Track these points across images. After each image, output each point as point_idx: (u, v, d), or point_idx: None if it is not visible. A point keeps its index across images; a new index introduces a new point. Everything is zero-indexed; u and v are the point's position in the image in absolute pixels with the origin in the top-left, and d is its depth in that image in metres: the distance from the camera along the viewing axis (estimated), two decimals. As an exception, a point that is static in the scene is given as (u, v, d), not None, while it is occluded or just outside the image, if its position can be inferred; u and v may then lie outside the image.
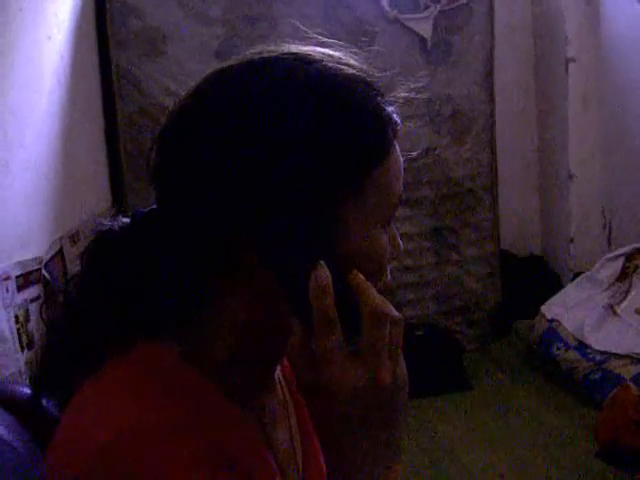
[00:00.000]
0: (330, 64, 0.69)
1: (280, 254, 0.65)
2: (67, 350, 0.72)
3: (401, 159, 0.72)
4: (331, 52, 0.71)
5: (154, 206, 0.74)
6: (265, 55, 0.70)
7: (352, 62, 0.71)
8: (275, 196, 0.65)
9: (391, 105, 0.71)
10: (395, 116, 0.71)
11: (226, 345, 0.71)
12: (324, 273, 0.64)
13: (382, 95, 0.71)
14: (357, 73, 0.70)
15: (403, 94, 0.74)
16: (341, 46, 0.73)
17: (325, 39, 0.73)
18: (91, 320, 0.71)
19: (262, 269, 0.66)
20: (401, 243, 0.74)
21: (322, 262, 0.64)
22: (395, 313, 0.65)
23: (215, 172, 0.66)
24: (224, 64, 0.71)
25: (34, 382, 0.77)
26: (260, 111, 0.66)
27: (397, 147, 0.71)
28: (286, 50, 0.70)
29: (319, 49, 0.71)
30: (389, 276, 0.73)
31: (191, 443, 0.62)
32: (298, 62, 0.69)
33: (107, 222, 0.74)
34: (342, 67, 0.70)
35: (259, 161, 0.65)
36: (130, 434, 0.60)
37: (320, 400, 0.65)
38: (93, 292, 0.72)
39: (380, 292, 0.67)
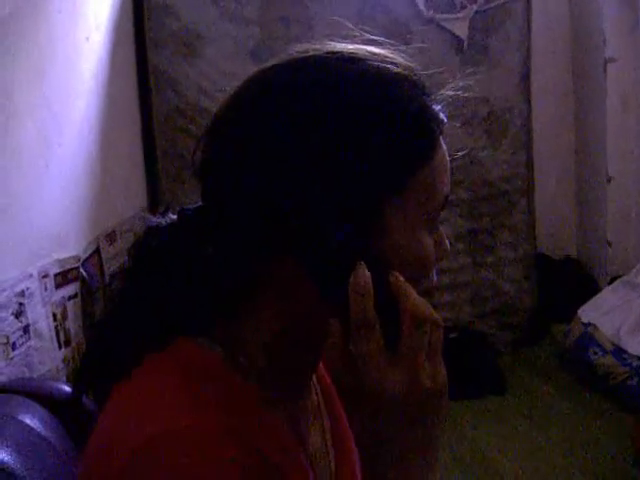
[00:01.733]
0: (375, 63, 0.68)
1: (321, 255, 0.64)
2: (108, 346, 0.72)
3: (447, 159, 0.70)
4: (376, 50, 0.70)
5: (200, 203, 0.74)
6: (309, 54, 0.69)
7: (398, 60, 0.70)
8: (317, 196, 0.64)
9: (438, 104, 0.70)
10: (441, 115, 0.70)
11: (264, 347, 0.71)
12: (364, 274, 0.63)
13: (428, 94, 0.70)
14: (402, 71, 0.69)
15: (450, 92, 0.73)
16: (388, 44, 0.72)
17: (371, 36, 0.73)
18: (132, 316, 0.71)
19: (301, 270, 0.66)
20: (448, 245, 0.73)
21: (362, 262, 0.63)
22: (435, 316, 0.64)
23: (257, 170, 0.66)
24: (270, 62, 0.71)
25: (74, 378, 0.77)
26: (303, 111, 0.65)
27: (443, 147, 0.70)
28: (330, 49, 0.70)
29: (364, 47, 0.70)
30: (435, 278, 0.72)
31: (231, 444, 0.61)
32: (342, 61, 0.68)
33: (155, 219, 0.75)
34: (387, 66, 0.69)
35: (302, 160, 0.64)
36: (172, 433, 0.60)
37: (358, 403, 0.64)
38: (136, 288, 0.72)
39: (423, 294, 0.66)
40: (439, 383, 0.64)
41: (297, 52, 0.70)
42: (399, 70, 0.69)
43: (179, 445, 0.59)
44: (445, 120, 0.70)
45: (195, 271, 0.70)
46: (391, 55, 0.70)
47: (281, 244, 0.66)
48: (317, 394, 0.84)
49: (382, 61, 0.69)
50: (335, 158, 0.64)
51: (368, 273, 0.63)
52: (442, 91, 0.72)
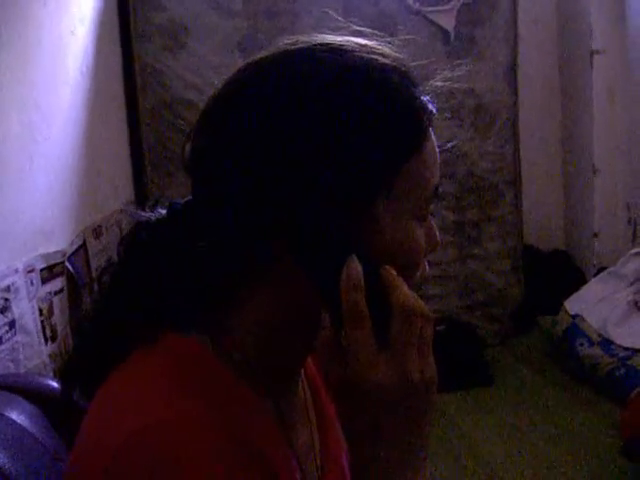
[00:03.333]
0: (363, 54, 0.68)
1: (312, 248, 0.64)
2: (96, 341, 0.72)
3: (437, 150, 0.71)
4: (364, 42, 0.70)
5: (190, 197, 0.73)
6: (299, 46, 0.69)
7: (386, 51, 0.70)
8: (308, 189, 0.64)
9: (426, 95, 0.70)
10: (430, 106, 0.70)
11: (254, 341, 0.71)
12: (355, 267, 0.63)
13: (417, 85, 0.70)
14: (391, 63, 0.69)
15: (439, 83, 0.73)
16: (375, 35, 0.72)
17: (360, 28, 0.73)
18: (121, 311, 0.71)
19: (293, 264, 0.66)
20: (439, 236, 0.73)
21: (353, 255, 0.63)
22: (426, 310, 0.64)
23: (249, 163, 0.66)
24: (259, 55, 0.71)
25: (63, 374, 0.77)
26: (292, 103, 0.65)
27: (433, 137, 0.70)
28: (319, 41, 0.70)
29: (353, 39, 0.70)
30: (427, 268, 0.72)
31: (217, 438, 0.61)
32: (331, 53, 0.68)
33: (145, 213, 0.74)
34: (376, 57, 0.69)
35: (291, 152, 0.64)
36: (159, 426, 0.60)
37: (348, 396, 0.64)
38: (126, 283, 0.72)
39: (416, 286, 0.66)
40: (428, 377, 0.63)
41: (285, 44, 0.70)
42: (387, 61, 0.69)
43: (164, 439, 0.59)
44: (434, 111, 0.71)
45: (186, 265, 0.70)
46: (379, 47, 0.71)
47: (274, 238, 0.66)
48: (305, 390, 0.84)
49: (370, 52, 0.69)
50: (323, 150, 0.64)
51: (359, 266, 0.63)
52: (431, 82, 0.72)
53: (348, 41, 0.70)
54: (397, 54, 0.71)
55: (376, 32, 0.73)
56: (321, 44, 0.69)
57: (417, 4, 3.79)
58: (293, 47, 0.70)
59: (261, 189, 0.65)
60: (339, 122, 0.65)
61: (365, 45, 0.70)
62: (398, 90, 0.68)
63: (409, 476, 0.64)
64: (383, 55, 0.69)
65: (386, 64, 0.69)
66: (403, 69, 0.70)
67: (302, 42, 0.70)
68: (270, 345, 0.71)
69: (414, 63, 0.72)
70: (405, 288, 0.64)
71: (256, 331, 0.70)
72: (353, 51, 0.68)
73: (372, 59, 0.68)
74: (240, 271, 0.70)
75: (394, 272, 0.64)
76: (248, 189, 0.65)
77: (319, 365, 0.87)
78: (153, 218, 0.74)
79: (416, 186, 0.68)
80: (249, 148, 0.66)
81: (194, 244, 0.69)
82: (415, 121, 0.68)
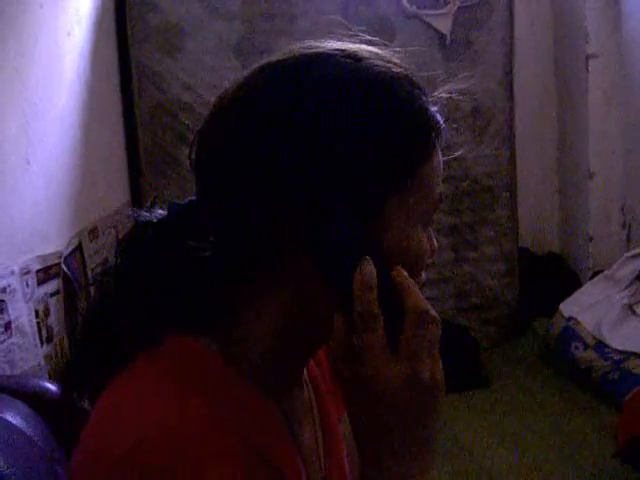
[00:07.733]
0: (378, 62, 0.69)
1: (327, 248, 0.65)
2: (99, 342, 0.72)
3: (442, 159, 0.72)
4: (374, 49, 0.71)
5: (192, 198, 0.73)
6: (315, 50, 0.70)
7: (396, 61, 0.71)
8: (321, 192, 0.65)
9: (434, 105, 0.72)
10: (438, 116, 0.71)
11: (260, 342, 0.70)
12: (369, 268, 0.63)
13: (426, 95, 0.71)
14: (403, 72, 0.70)
15: (444, 95, 0.74)
16: (383, 44, 0.73)
17: (368, 37, 0.73)
18: (124, 312, 0.71)
19: (303, 266, 0.66)
20: (436, 243, 0.74)
21: (368, 257, 0.64)
22: (434, 313, 0.64)
23: (261, 165, 0.66)
24: (274, 58, 0.71)
25: (65, 375, 0.76)
26: (310, 106, 0.65)
27: (438, 147, 0.71)
28: (336, 46, 0.70)
29: (365, 46, 0.71)
30: (424, 276, 0.73)
31: (226, 441, 0.62)
32: (348, 59, 0.68)
33: (145, 214, 0.74)
34: (389, 65, 0.69)
35: (307, 156, 0.65)
36: (163, 432, 0.60)
37: (360, 396, 0.64)
38: (128, 284, 0.72)
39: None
40: (437, 378, 0.65)
41: (300, 48, 0.71)
42: (400, 70, 0.70)
43: (167, 445, 0.59)
44: (442, 122, 0.72)
45: (191, 266, 0.70)
46: (390, 55, 0.71)
47: (285, 240, 0.66)
48: (309, 392, 0.84)
49: (384, 60, 0.70)
50: (342, 153, 0.65)
51: (373, 268, 0.63)
52: (436, 93, 0.73)
53: (360, 48, 0.71)
54: (405, 64, 0.72)
55: (385, 42, 0.73)
56: (338, 49, 0.69)
57: (414, 8, 3.80)
58: (309, 51, 0.70)
59: (276, 190, 0.65)
60: (357, 126, 0.65)
61: (377, 53, 0.71)
62: (412, 99, 0.69)
63: (419, 472, 0.65)
64: (395, 64, 0.70)
65: (399, 73, 0.70)
66: (414, 79, 0.71)
67: (315, 47, 0.70)
68: (276, 347, 0.71)
69: (420, 74, 0.73)
70: (417, 291, 0.65)
71: (263, 332, 0.70)
72: (368, 58, 0.69)
73: (386, 67, 0.69)
74: (247, 272, 0.70)
75: (406, 274, 0.65)
76: (261, 190, 0.66)
77: (328, 366, 0.88)
78: (154, 219, 0.74)
79: (425, 193, 0.69)
80: (265, 149, 0.66)
81: (201, 246, 0.69)
82: (426, 131, 0.69)
